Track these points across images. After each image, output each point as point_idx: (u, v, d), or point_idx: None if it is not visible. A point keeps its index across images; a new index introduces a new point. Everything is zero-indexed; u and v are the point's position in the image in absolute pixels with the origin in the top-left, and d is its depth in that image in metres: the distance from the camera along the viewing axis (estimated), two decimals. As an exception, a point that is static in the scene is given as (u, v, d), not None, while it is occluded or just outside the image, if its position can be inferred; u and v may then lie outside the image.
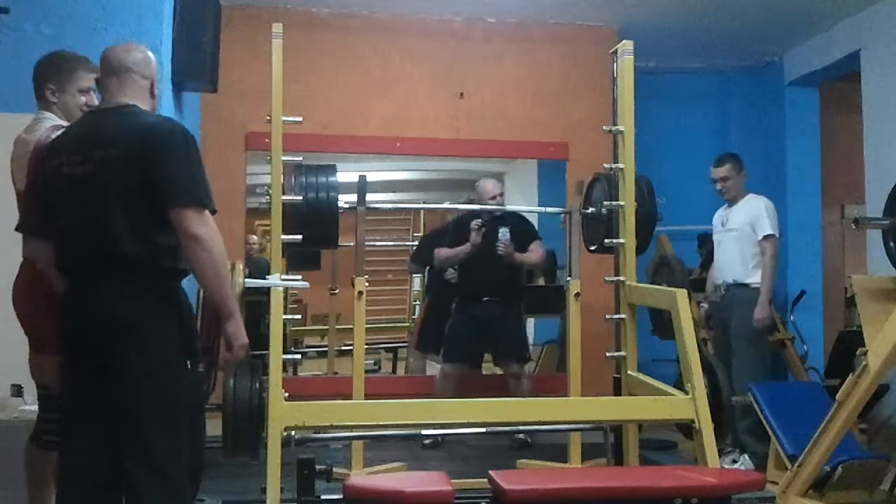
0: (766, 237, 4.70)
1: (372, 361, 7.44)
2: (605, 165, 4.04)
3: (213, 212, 2.45)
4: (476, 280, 5.12)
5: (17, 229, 2.68)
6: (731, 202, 4.90)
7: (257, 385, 3.21)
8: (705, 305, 5.12)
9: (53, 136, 2.69)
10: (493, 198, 5.06)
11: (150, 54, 2.63)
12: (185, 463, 2.44)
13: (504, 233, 5.08)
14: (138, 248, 2.38)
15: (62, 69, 2.90)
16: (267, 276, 3.55)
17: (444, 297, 5.49)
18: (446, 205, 5.13)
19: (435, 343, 5.56)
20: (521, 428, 4.44)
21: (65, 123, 2.80)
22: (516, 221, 5.19)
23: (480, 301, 5.10)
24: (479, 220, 4.99)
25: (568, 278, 4.38)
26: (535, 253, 5.17)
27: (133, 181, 2.38)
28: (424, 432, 4.32)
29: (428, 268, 5.64)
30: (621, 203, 3.92)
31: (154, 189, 2.37)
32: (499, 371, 5.49)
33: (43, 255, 2.57)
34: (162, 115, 2.59)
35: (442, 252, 5.24)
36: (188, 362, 2.47)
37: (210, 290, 2.44)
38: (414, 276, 7.69)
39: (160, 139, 2.42)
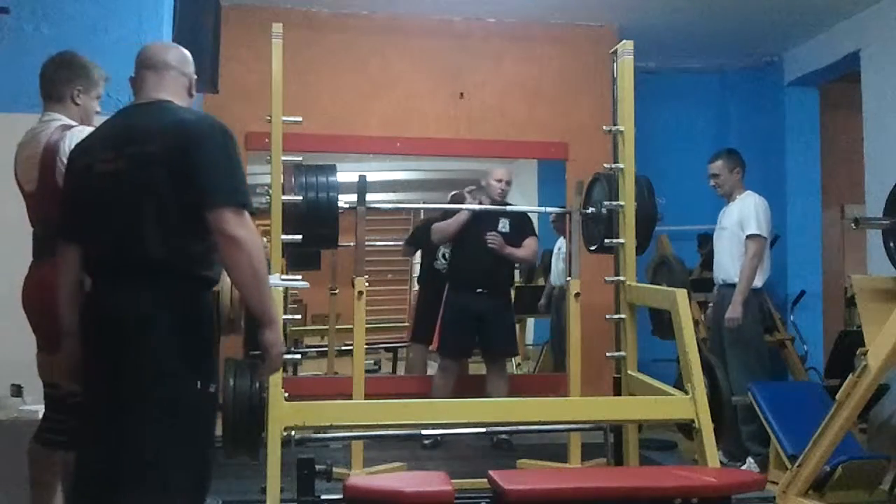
0: (749, 236, 4.61)
1: (372, 361, 7.46)
2: (605, 165, 4.04)
3: (254, 213, 2.32)
4: (468, 270, 5.10)
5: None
6: (728, 199, 4.87)
7: (257, 385, 3.21)
8: (712, 305, 5.05)
9: (66, 135, 2.66)
10: (500, 180, 5.04)
11: (188, 54, 2.52)
12: (185, 486, 2.29)
13: (504, 224, 5.08)
14: (165, 251, 2.24)
15: (91, 73, 2.88)
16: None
17: (435, 287, 5.46)
18: (446, 205, 5.13)
19: (426, 333, 5.50)
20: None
21: (74, 123, 2.77)
22: (516, 215, 5.17)
23: (473, 293, 5.05)
24: (472, 187, 5.00)
25: (568, 278, 4.38)
26: (527, 248, 5.14)
27: (167, 179, 2.23)
28: (424, 432, 4.32)
29: (420, 252, 5.64)
30: (621, 203, 3.92)
31: (189, 188, 2.22)
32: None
33: (70, 258, 2.42)
34: (201, 112, 2.44)
35: (439, 224, 5.17)
36: (198, 383, 2.28)
37: (249, 294, 2.28)
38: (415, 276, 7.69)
39: (198, 136, 2.28)
